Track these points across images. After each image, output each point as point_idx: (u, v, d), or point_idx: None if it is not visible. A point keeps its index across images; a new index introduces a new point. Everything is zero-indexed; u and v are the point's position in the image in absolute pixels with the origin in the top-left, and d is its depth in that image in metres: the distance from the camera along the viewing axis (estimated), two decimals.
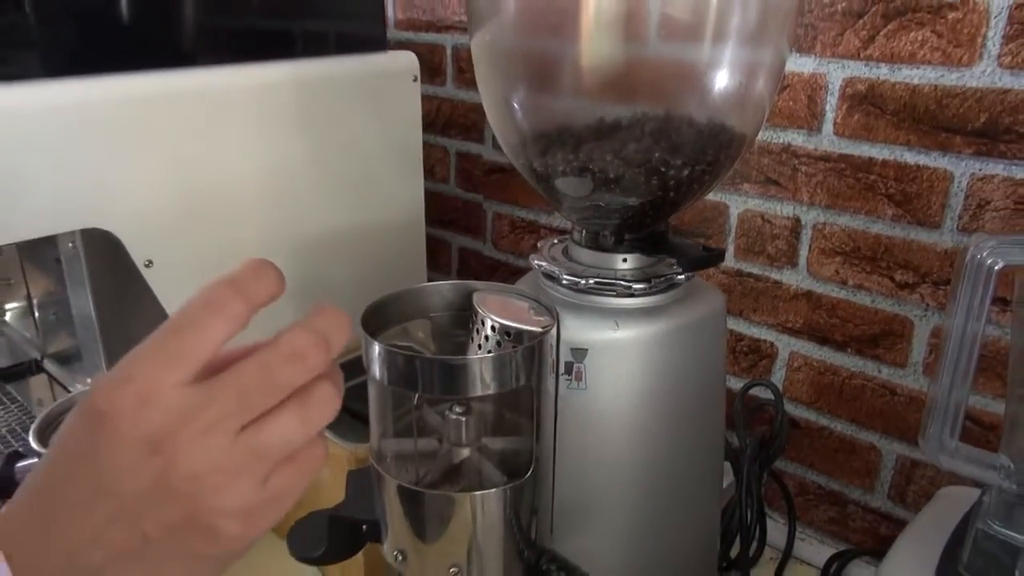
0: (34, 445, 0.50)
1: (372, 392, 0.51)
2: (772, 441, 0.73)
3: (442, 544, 0.50)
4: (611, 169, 0.49)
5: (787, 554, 0.77)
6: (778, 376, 0.79)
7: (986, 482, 0.49)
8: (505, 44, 0.52)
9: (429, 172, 1.00)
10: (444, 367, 0.45)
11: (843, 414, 0.76)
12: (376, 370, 0.47)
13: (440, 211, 1.07)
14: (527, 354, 0.47)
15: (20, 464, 0.52)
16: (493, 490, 0.48)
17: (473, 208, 1.04)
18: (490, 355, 0.48)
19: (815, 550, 0.78)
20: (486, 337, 0.51)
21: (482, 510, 0.48)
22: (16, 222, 0.59)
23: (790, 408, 0.79)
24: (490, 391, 0.46)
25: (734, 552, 0.76)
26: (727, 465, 0.75)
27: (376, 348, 0.46)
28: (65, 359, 0.82)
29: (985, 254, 0.42)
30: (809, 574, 0.76)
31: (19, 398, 0.79)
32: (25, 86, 0.59)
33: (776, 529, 0.78)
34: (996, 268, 0.42)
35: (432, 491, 0.49)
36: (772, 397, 0.73)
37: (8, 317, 0.88)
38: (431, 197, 0.94)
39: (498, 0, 0.51)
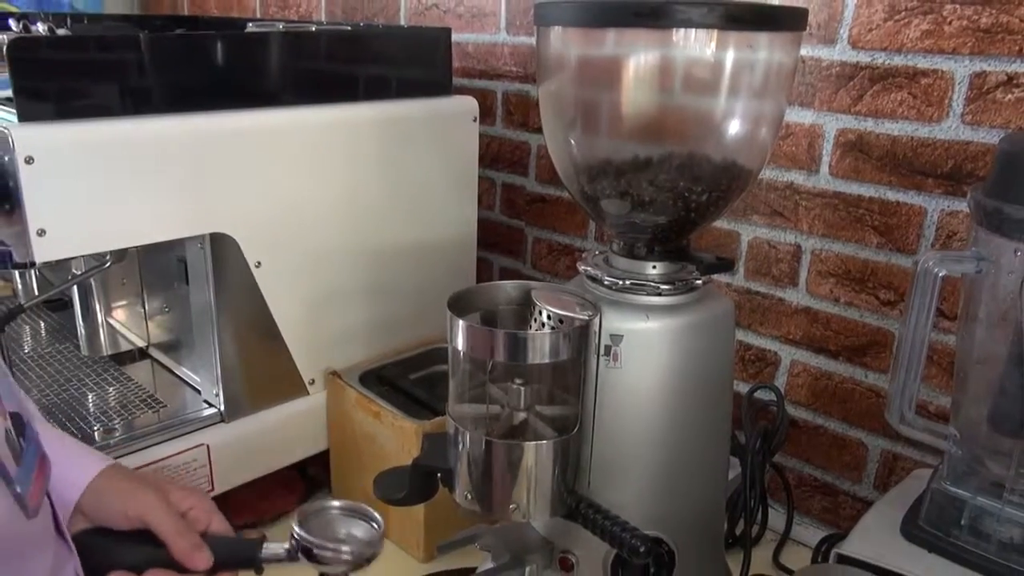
0: (297, 530, 0.57)
1: (453, 363, 0.65)
2: (774, 435, 0.85)
3: (504, 486, 0.62)
4: (645, 194, 0.63)
5: (785, 536, 0.89)
6: (780, 381, 0.92)
7: (939, 448, 0.61)
8: (566, 94, 0.66)
9: (477, 200, 1.13)
10: (514, 338, 0.58)
11: (835, 414, 0.88)
12: (460, 342, 0.60)
13: (486, 235, 1.20)
14: (575, 334, 0.60)
15: (266, 546, 0.58)
16: (546, 441, 0.61)
17: (515, 233, 1.18)
18: (547, 331, 0.61)
19: (811, 534, 0.89)
20: (542, 324, 0.65)
21: (536, 457, 0.61)
22: (166, 225, 0.74)
23: (790, 409, 0.91)
24: (546, 360, 0.59)
25: (740, 533, 0.88)
26: (734, 460, 0.87)
27: (460, 324, 0.60)
28: (169, 347, 0.97)
29: (931, 264, 0.55)
30: (803, 553, 0.87)
31: (133, 377, 0.93)
32: (160, 119, 0.74)
33: (777, 518, 0.90)
34: (940, 275, 0.55)
35: (499, 440, 0.62)
36: (775, 398, 0.85)
37: (116, 312, 1.02)
38: (478, 223, 1.08)
39: (562, 60, 0.66)
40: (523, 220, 1.17)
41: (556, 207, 1.12)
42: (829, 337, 0.87)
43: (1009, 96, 0.71)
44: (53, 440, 0.55)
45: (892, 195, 0.80)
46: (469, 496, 0.64)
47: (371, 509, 0.61)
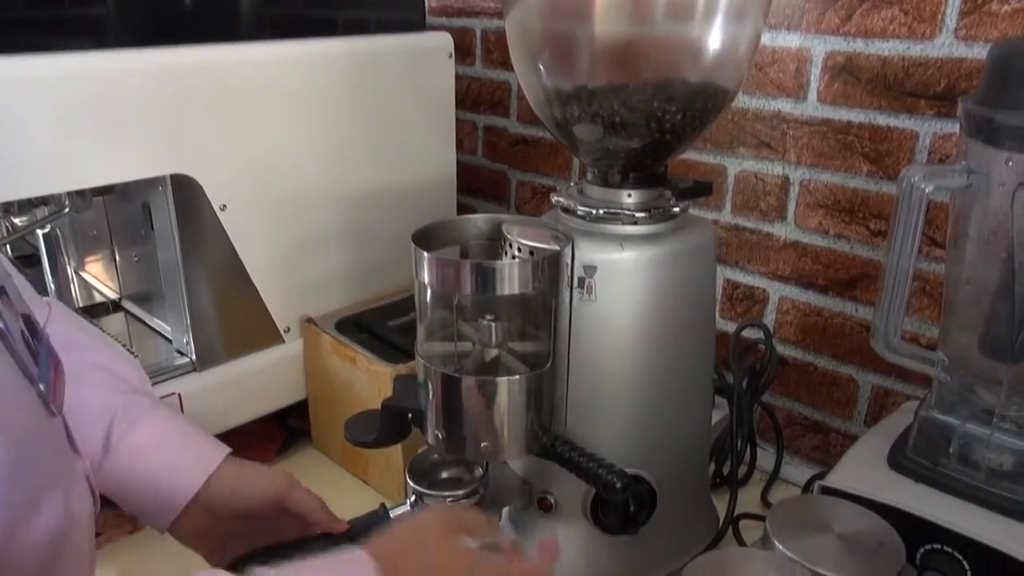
0: (410, 482, 0.66)
1: (420, 299, 0.62)
2: (762, 374, 0.83)
3: (475, 425, 0.60)
4: (617, 115, 0.59)
5: (774, 475, 0.87)
6: (769, 319, 0.89)
7: (927, 374, 0.59)
8: (532, 22, 0.62)
9: (459, 144, 1.09)
10: (482, 269, 0.56)
11: (826, 351, 0.86)
12: (426, 276, 0.58)
13: (469, 180, 1.17)
14: (546, 263, 0.57)
15: (393, 511, 0.63)
16: (517, 376, 0.59)
17: (499, 177, 1.15)
18: (517, 260, 0.59)
19: (801, 472, 0.87)
20: (513, 257, 0.62)
21: (508, 393, 0.59)
22: (124, 166, 0.71)
23: (780, 348, 0.89)
24: (516, 291, 0.57)
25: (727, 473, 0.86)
26: (723, 401, 0.85)
27: (426, 257, 0.57)
28: (141, 299, 0.94)
29: (917, 179, 0.51)
30: (793, 492, 0.86)
31: (105, 329, 0.90)
32: (116, 53, 0.70)
33: (767, 458, 0.88)
34: (926, 191, 0.52)
35: (469, 376, 0.59)
36: (763, 336, 0.83)
37: (88, 265, 1.00)
38: (460, 168, 1.05)
39: None
40: (506, 163, 1.13)
41: (539, 148, 1.08)
42: (818, 271, 0.84)
43: (1005, 7, 0.67)
44: (172, 427, 0.57)
45: (883, 119, 0.76)
46: (440, 436, 0.62)
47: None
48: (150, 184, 0.76)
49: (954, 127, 0.72)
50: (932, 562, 0.55)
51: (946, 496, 0.57)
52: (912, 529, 0.54)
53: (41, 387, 0.39)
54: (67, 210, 0.77)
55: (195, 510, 0.55)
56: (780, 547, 0.53)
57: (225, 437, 0.83)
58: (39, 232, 0.89)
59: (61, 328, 0.53)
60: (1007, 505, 0.55)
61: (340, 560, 0.40)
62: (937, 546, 0.54)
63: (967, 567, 0.54)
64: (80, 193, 0.79)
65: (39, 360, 0.40)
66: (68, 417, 0.44)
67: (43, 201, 0.81)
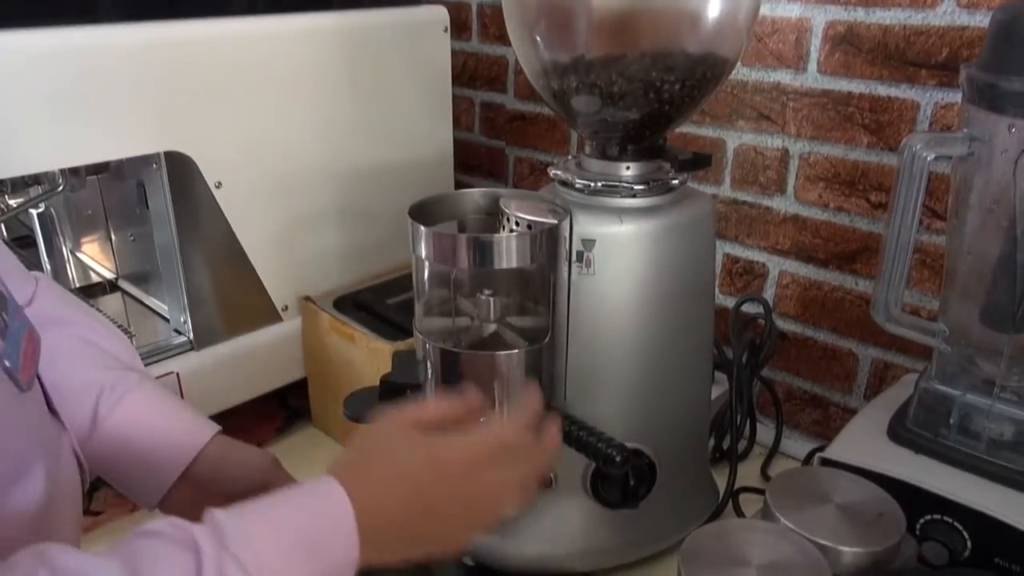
0: None
1: (418, 275, 0.62)
2: (761, 348, 0.83)
3: None
4: (615, 86, 0.59)
5: (774, 449, 0.87)
6: (769, 294, 0.89)
7: (927, 344, 0.58)
8: None
9: (455, 121, 1.08)
10: (479, 243, 0.55)
11: (825, 324, 0.85)
12: (423, 250, 0.57)
13: (466, 157, 1.16)
14: (544, 236, 0.57)
15: None
16: (516, 351, 0.59)
17: (496, 154, 1.14)
18: (514, 234, 0.58)
19: (800, 447, 0.87)
20: (511, 231, 0.61)
21: (507, 368, 0.59)
22: (117, 143, 0.70)
23: (780, 322, 0.88)
24: (514, 265, 0.56)
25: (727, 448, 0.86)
26: (723, 376, 0.84)
27: (423, 231, 0.56)
28: (138, 278, 0.94)
29: (918, 148, 0.51)
30: (792, 466, 0.86)
31: (102, 310, 0.90)
32: (108, 28, 0.69)
33: (767, 433, 0.88)
34: (928, 159, 0.51)
35: (468, 351, 0.59)
36: (763, 311, 0.83)
37: (84, 245, 0.99)
38: (457, 145, 1.04)
39: None
40: (503, 140, 1.12)
41: (537, 124, 1.07)
42: (818, 245, 0.84)
43: None
44: (160, 402, 0.55)
45: (883, 90, 0.75)
46: None
47: None
48: (144, 162, 0.75)
49: (956, 97, 0.71)
50: (932, 532, 0.55)
51: (946, 467, 0.57)
52: (912, 499, 0.54)
53: (6, 363, 0.38)
54: (61, 189, 0.77)
55: (184, 486, 0.54)
56: (780, 518, 0.53)
57: (225, 416, 0.84)
58: (33, 212, 0.88)
59: (49, 303, 0.52)
60: (1007, 475, 0.55)
61: (304, 488, 0.40)
62: (937, 516, 0.54)
63: (967, 537, 0.54)
64: (74, 171, 0.78)
65: (8, 335, 0.39)
66: (54, 391, 0.43)
67: (36, 180, 0.80)
